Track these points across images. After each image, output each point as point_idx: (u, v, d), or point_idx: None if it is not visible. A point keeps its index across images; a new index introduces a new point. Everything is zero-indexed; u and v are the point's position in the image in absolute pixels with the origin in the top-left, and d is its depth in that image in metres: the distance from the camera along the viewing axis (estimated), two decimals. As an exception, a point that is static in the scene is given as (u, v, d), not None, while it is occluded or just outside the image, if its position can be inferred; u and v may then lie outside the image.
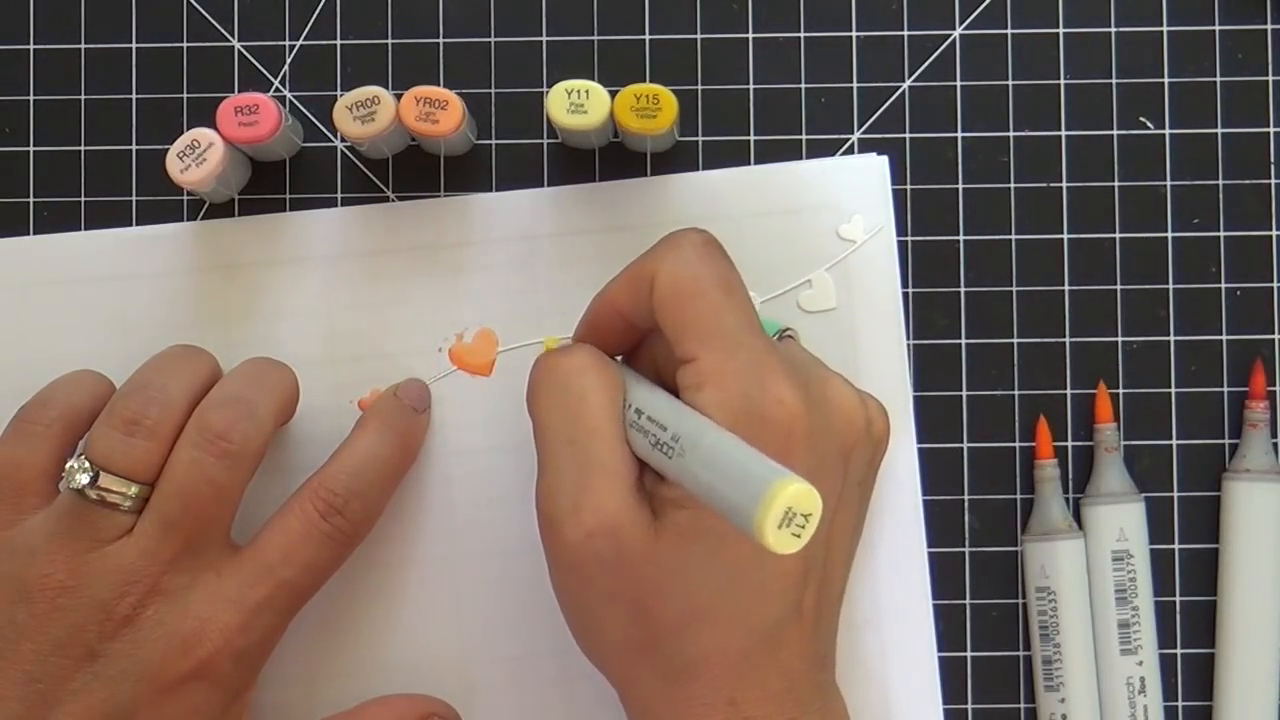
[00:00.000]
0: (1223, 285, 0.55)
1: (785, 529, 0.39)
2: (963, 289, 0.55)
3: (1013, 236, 0.55)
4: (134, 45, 0.56)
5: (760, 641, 0.47)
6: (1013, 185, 0.56)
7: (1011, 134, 0.56)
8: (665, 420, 0.45)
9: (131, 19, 0.56)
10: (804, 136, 0.56)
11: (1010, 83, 0.56)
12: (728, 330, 0.47)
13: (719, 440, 0.43)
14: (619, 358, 0.51)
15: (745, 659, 0.47)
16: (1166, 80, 0.56)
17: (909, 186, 0.56)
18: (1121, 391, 0.55)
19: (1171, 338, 0.55)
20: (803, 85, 0.56)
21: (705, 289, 0.47)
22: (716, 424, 0.45)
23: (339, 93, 0.55)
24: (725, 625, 0.47)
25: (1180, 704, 0.55)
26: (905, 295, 0.55)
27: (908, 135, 0.56)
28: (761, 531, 0.39)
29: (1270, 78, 0.56)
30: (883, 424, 0.51)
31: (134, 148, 0.56)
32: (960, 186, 0.56)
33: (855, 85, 0.56)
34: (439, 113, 0.52)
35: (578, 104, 0.52)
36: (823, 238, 0.55)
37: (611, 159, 0.56)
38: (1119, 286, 0.55)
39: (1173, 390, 0.55)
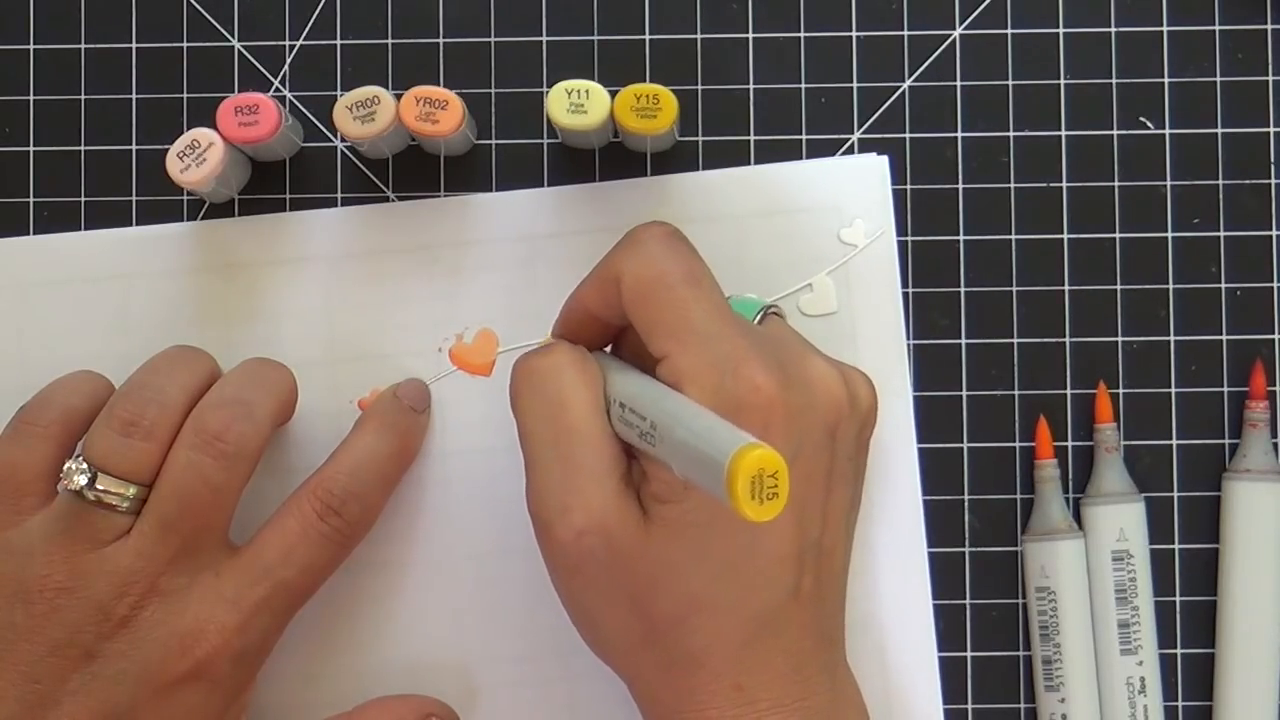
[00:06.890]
0: (1223, 285, 0.55)
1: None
2: (963, 289, 0.55)
3: (1013, 236, 0.55)
4: (134, 45, 0.56)
5: (760, 627, 0.47)
6: (1013, 185, 0.55)
7: (1011, 134, 0.56)
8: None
9: (131, 19, 0.56)
10: (804, 136, 0.56)
11: (1010, 83, 0.56)
12: (697, 323, 0.46)
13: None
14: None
15: (746, 645, 0.47)
16: (1166, 80, 0.56)
17: (909, 186, 0.56)
18: (1121, 391, 0.55)
19: (1171, 338, 0.55)
20: (803, 85, 0.56)
21: (671, 283, 0.47)
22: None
23: (339, 93, 0.55)
24: (723, 614, 0.47)
25: (1180, 704, 0.55)
26: (905, 295, 0.55)
27: (908, 135, 0.56)
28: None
29: (1270, 78, 0.56)
30: (869, 396, 0.50)
31: (134, 148, 0.56)
32: (960, 186, 0.55)
33: (855, 85, 0.56)
34: (439, 113, 0.52)
35: (578, 104, 0.52)
36: (823, 239, 0.55)
37: (611, 159, 0.56)
38: (1119, 286, 0.55)
39: (1173, 390, 0.55)
